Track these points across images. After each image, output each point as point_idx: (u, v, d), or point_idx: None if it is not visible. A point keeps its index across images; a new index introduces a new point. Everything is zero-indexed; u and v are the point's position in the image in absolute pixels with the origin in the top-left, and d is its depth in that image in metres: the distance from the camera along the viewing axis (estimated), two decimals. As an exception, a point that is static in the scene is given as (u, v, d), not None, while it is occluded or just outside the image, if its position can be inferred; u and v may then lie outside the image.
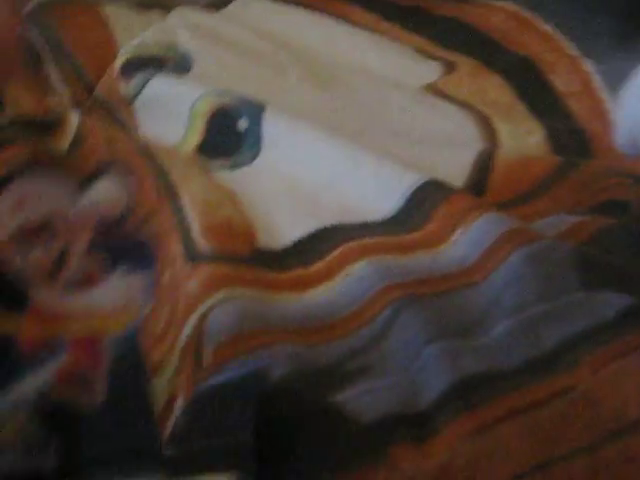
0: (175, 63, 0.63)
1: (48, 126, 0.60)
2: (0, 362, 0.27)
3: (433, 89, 0.58)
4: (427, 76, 0.60)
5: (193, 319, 0.33)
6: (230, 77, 0.61)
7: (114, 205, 0.27)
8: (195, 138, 0.57)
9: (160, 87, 0.60)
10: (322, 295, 0.38)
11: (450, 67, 0.59)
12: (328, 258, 0.43)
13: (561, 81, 0.56)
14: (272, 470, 0.28)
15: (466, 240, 0.41)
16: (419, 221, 0.44)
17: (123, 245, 0.28)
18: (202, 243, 0.37)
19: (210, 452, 0.26)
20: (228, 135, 0.55)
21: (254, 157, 0.51)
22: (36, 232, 0.28)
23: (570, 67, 0.56)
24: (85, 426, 0.27)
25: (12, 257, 0.28)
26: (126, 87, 0.62)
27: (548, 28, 0.58)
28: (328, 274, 0.41)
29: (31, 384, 0.27)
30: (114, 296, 0.28)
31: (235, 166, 0.51)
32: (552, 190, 0.45)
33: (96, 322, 0.27)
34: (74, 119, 0.60)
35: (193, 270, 0.39)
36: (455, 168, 0.49)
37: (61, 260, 0.28)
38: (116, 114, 0.62)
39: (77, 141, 0.58)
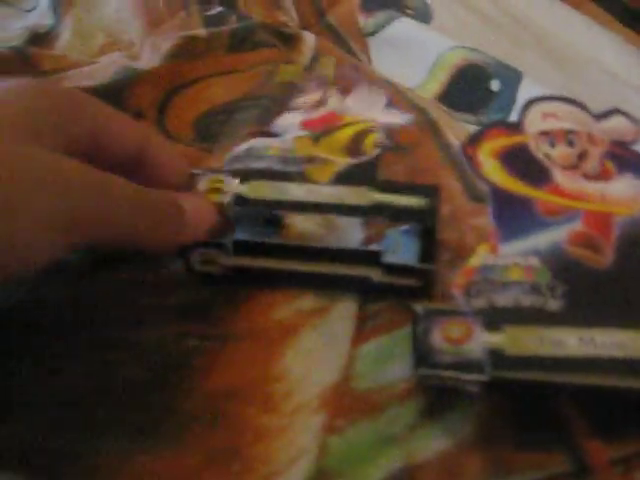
0: (415, 10, 0.64)
1: (288, 38, 0.61)
2: (521, 218, 0.35)
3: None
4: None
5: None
6: (468, 38, 0.62)
7: (626, 132, 0.32)
8: (435, 86, 0.58)
9: (405, 29, 0.61)
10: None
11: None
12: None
13: None
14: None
15: None
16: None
17: (631, 159, 0.32)
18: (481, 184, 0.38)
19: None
20: (477, 92, 0.56)
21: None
22: (563, 135, 0.35)
23: None
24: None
25: (541, 146, 0.36)
26: (365, 21, 0.63)
27: None
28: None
29: (546, 238, 0.34)
30: (624, 190, 0.34)
31: (479, 123, 0.52)
32: None
33: (608, 204, 0.34)
34: (310, 37, 0.61)
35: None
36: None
37: (582, 157, 0.34)
38: (348, 44, 0.63)
39: (315, 57, 0.59)
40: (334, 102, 0.39)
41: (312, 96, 0.40)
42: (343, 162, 0.37)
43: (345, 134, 0.39)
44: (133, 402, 0.34)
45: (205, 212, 0.37)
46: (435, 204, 0.37)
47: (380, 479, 0.31)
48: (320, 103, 0.39)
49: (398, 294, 0.37)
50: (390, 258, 0.37)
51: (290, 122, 0.39)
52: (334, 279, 0.38)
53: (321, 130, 0.38)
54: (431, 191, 0.37)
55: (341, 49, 0.63)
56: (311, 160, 0.37)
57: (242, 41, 0.58)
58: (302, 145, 0.37)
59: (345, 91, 0.43)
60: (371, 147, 0.38)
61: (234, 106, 0.52)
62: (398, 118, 0.43)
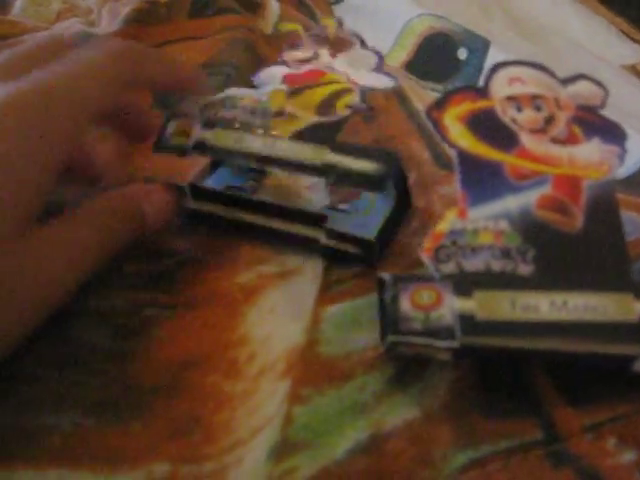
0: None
1: (251, 5, 0.60)
2: (489, 182, 0.33)
3: (635, 70, 0.59)
4: (629, 56, 0.61)
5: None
6: (437, 6, 0.61)
7: (593, 97, 0.34)
8: (403, 55, 0.57)
9: (371, -3, 0.60)
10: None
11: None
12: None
13: None
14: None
15: None
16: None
17: (598, 124, 0.33)
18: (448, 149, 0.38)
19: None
20: (444, 60, 0.55)
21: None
22: (530, 99, 0.34)
23: None
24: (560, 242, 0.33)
25: (508, 110, 0.35)
26: (330, -12, 0.62)
27: None
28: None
29: (515, 202, 0.33)
30: (592, 154, 0.33)
31: (447, 91, 0.51)
32: None
33: (576, 169, 0.33)
34: (274, 4, 0.59)
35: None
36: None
37: (549, 121, 0.33)
38: (312, 10, 0.62)
39: (278, 26, 0.58)
40: (323, 60, 0.38)
41: (304, 52, 0.39)
42: (309, 119, 0.35)
43: (321, 92, 0.38)
44: (93, 376, 0.32)
45: (163, 208, 0.38)
46: (390, 170, 0.36)
47: (347, 449, 0.30)
48: (309, 60, 0.38)
49: (343, 259, 0.37)
50: (340, 224, 0.37)
51: (273, 74, 0.39)
52: (281, 235, 0.38)
53: (300, 86, 0.37)
54: (389, 157, 0.37)
55: (305, 16, 0.61)
56: (279, 114, 0.36)
57: (204, 7, 0.56)
58: (275, 98, 0.36)
59: (338, 51, 0.43)
60: (342, 108, 0.37)
61: (195, 73, 0.51)
62: (380, 82, 0.43)
